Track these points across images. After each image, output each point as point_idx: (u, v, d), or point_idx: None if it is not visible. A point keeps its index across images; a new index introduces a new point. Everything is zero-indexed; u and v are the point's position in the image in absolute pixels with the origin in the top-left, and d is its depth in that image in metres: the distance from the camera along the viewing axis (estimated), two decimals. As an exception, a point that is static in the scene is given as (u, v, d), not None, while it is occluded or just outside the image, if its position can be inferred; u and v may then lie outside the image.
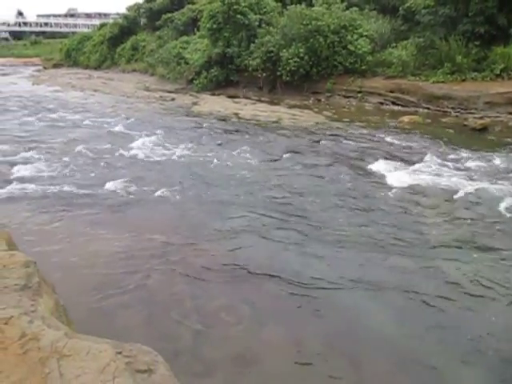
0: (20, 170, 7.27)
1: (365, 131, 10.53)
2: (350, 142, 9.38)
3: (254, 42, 16.94)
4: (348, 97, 14.69)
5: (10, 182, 6.65)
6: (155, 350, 1.93)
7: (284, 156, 8.36)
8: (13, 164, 7.63)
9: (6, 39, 75.51)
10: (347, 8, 16.20)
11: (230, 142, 9.80)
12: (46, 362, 1.67)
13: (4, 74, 33.38)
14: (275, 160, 8.17)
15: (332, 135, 10.17)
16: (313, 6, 16.45)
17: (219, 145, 9.49)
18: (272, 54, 15.93)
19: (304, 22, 15.25)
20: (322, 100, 15.14)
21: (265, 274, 4.08)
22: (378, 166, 7.53)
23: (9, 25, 74.53)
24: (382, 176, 7.03)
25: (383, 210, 5.59)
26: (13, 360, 1.68)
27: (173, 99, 17.03)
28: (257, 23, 17.48)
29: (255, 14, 17.73)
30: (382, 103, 13.66)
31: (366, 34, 15.36)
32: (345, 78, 15.08)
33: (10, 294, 2.26)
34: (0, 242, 3.05)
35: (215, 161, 8.02)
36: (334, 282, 3.93)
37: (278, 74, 15.84)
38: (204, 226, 5.18)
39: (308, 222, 5.25)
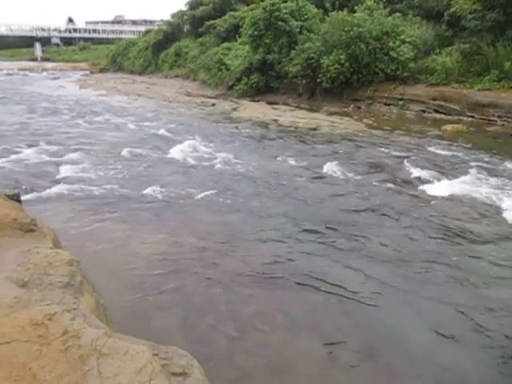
0: (66, 171, 7.56)
1: (406, 140, 10.31)
2: (391, 151, 9.21)
3: (294, 49, 16.99)
4: (389, 104, 14.46)
5: (57, 182, 6.94)
6: (190, 353, 1.97)
7: (322, 164, 8.30)
8: (60, 164, 7.97)
9: (57, 45, 79.23)
10: (390, 14, 15.99)
11: (269, 148, 9.85)
12: (85, 360, 1.74)
13: (54, 78, 35.01)
14: (313, 168, 8.11)
15: (372, 143, 10.02)
16: (355, 12, 16.34)
17: (258, 151, 9.55)
18: (312, 61, 15.90)
19: (345, 29, 15.16)
20: (362, 107, 14.97)
21: (301, 283, 4.05)
22: (420, 176, 7.32)
23: (60, 31, 78.15)
24: (424, 187, 6.83)
25: (424, 224, 5.42)
26: (55, 355, 1.76)
27: (213, 105, 17.30)
28: (298, 30, 17.53)
29: (296, 20, 17.80)
30: (424, 111, 13.36)
31: (408, 40, 15.09)
32: (386, 85, 14.86)
33: (54, 290, 2.36)
34: (46, 240, 3.19)
35: (253, 167, 8.08)
36: (372, 296, 3.85)
37: (318, 80, 15.80)
38: (241, 232, 5.21)
39: (347, 233, 5.17)
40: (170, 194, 6.50)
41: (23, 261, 2.67)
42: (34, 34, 73.94)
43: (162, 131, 11.43)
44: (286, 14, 17.50)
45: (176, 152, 9.04)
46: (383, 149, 9.45)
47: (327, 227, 5.33)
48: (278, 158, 8.81)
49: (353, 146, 9.88)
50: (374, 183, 7.13)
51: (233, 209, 6.01)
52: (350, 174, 7.62)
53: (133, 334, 2.17)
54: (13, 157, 8.46)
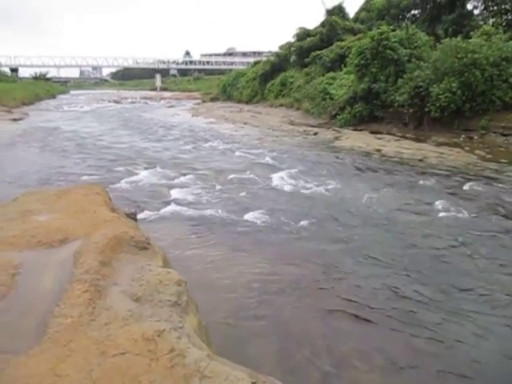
0: (177, 193, 8.13)
1: (526, 175, 9.39)
2: (507, 187, 8.44)
3: (402, 77, 16.55)
4: (506, 135, 13.29)
5: (168, 203, 7.49)
6: (285, 385, 1.98)
7: (429, 198, 7.87)
8: (171, 186, 8.61)
9: (175, 75, 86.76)
10: (511, 39, 14.89)
11: (372, 179, 9.62)
12: (189, 380, 1.84)
13: (170, 106, 38.11)
14: (419, 202, 7.73)
15: (485, 178, 9.28)
16: (470, 38, 15.50)
17: (360, 181, 9.37)
18: (421, 89, 15.33)
19: (459, 56, 14.44)
20: (475, 138, 13.95)
21: (401, 322, 3.86)
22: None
23: (177, 63, 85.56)
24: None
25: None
26: (162, 371, 1.88)
27: (316, 133, 17.42)
28: (406, 58, 17.08)
29: (405, 48, 17.38)
30: (549, 144, 12.07)
31: (532, 66, 13.87)
32: (503, 114, 13.74)
33: (163, 308, 2.53)
34: (157, 258, 3.44)
35: (355, 198, 7.94)
36: (478, 345, 3.53)
37: (426, 109, 15.14)
38: (340, 264, 5.13)
39: (451, 277, 4.80)
40: (270, 220, 6.64)
41: (137, 277, 2.91)
42: (155, 66, 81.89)
43: (265, 159, 11.78)
44: (394, 42, 17.21)
45: (278, 180, 9.25)
46: (498, 184, 8.69)
47: (428, 269, 5.01)
48: (382, 190, 8.56)
49: (464, 179, 9.23)
50: (487, 225, 6.50)
51: (332, 239, 5.95)
52: (461, 214, 6.98)
53: (230, 358, 2.25)
54: (132, 178, 9.35)
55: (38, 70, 72.47)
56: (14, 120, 22.69)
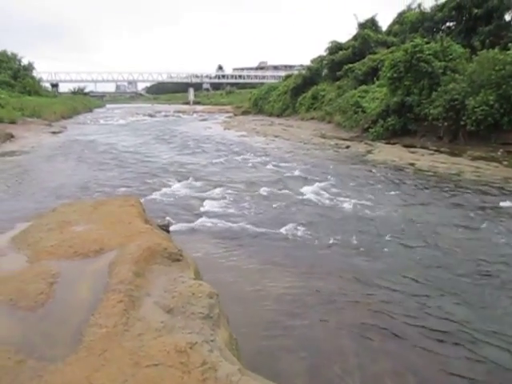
0: (209, 205, 8.19)
1: None
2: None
3: (436, 90, 16.27)
4: (548, 149, 12.81)
5: (200, 215, 7.56)
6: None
7: (465, 214, 7.64)
8: (203, 199, 8.69)
9: (207, 89, 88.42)
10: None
11: (405, 193, 9.43)
12: (220, 394, 1.84)
13: (202, 120, 38.73)
14: (454, 219, 7.50)
15: (527, 194, 8.94)
16: (508, 49, 15.11)
17: (393, 196, 9.20)
18: (456, 103, 15.00)
19: (496, 68, 14.11)
20: (514, 152, 13.49)
21: (436, 342, 3.73)
22: None
23: (210, 77, 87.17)
24: None
25: None
26: (194, 384, 1.90)
27: (347, 147, 17.28)
28: (441, 71, 16.80)
29: (440, 61, 17.11)
30: None
31: None
32: (544, 127, 13.25)
33: (195, 320, 2.55)
34: (189, 270, 3.48)
35: (388, 212, 7.80)
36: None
37: (462, 123, 14.78)
38: (372, 280, 5.02)
39: (493, 299, 4.59)
40: (302, 234, 6.60)
41: (170, 288, 2.94)
42: (188, 80, 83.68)
43: (296, 172, 11.75)
44: (429, 55, 16.98)
45: (310, 193, 9.19)
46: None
47: (470, 288, 4.83)
48: (416, 205, 8.38)
49: (502, 195, 8.92)
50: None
51: (365, 254, 5.84)
52: (500, 232, 6.68)
53: (260, 373, 2.23)
54: (165, 190, 9.51)
55: (77, 85, 75.52)
56: (54, 133, 23.60)
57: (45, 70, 64.81)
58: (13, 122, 23.89)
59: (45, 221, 4.06)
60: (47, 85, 62.96)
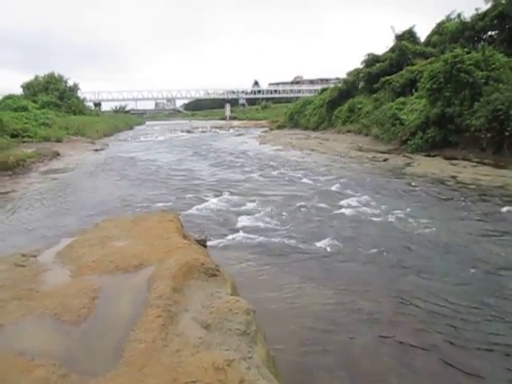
0: (245, 220, 8.20)
1: None
2: None
3: (478, 101, 15.77)
4: None
5: (236, 230, 7.59)
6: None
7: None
8: (239, 213, 8.72)
9: (243, 105, 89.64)
10: None
11: (447, 207, 9.14)
12: (258, 413, 1.82)
13: (238, 135, 39.18)
14: (501, 233, 7.19)
15: None
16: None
17: (434, 210, 8.93)
18: (500, 113, 14.47)
19: (543, 76, 13.56)
20: None
21: (483, 365, 3.55)
22: None
23: (246, 93, 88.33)
24: None
25: None
26: (231, 402, 1.88)
27: (385, 160, 16.98)
28: (483, 81, 16.29)
29: (481, 71, 16.61)
30: None
31: None
32: None
33: (233, 337, 2.54)
34: (226, 286, 3.48)
35: (429, 227, 7.56)
36: None
37: (507, 134, 14.24)
38: (413, 297, 4.86)
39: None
40: (340, 249, 6.50)
41: (207, 304, 2.95)
42: (225, 96, 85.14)
43: (333, 186, 11.62)
44: (470, 65, 16.53)
45: (347, 207, 9.07)
46: None
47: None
48: (458, 219, 8.09)
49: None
50: None
51: (405, 270, 5.68)
52: None
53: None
54: (202, 204, 9.62)
55: (118, 104, 78.46)
56: (96, 150, 24.52)
57: (88, 90, 67.79)
58: (59, 141, 25.09)
59: (88, 236, 4.19)
60: (90, 104, 65.66)
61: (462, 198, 9.83)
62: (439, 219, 8.09)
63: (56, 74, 46.31)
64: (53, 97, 41.60)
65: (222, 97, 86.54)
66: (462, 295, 4.87)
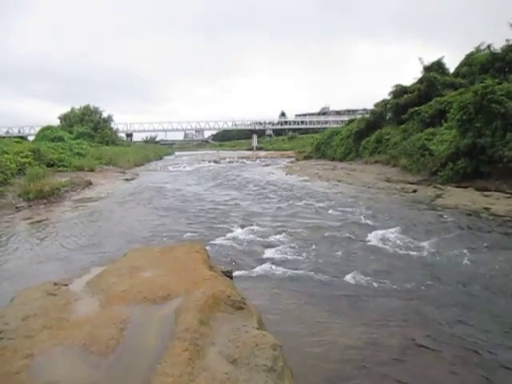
0: (271, 252, 8.16)
1: None
2: None
3: (510, 131, 15.46)
4: None
5: (262, 261, 7.55)
6: None
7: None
8: (266, 245, 8.68)
9: (270, 135, 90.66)
10: None
11: (480, 239, 8.84)
12: None
13: (265, 165, 39.41)
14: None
15: None
16: None
17: (467, 243, 8.65)
18: (534, 144, 14.15)
19: None
20: None
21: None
22: None
23: (273, 124, 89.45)
24: None
25: None
26: None
27: (414, 191, 16.70)
28: (515, 111, 16.01)
29: (513, 101, 16.34)
30: None
31: None
32: None
33: (259, 373, 2.49)
34: (253, 319, 3.44)
35: (461, 261, 7.33)
36: None
37: (542, 164, 13.86)
38: (446, 332, 4.68)
39: None
40: (369, 283, 6.35)
41: (233, 338, 2.92)
42: (252, 127, 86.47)
43: (361, 217, 11.48)
44: (501, 95, 16.30)
45: (376, 240, 8.90)
46: None
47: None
48: (492, 252, 7.81)
49: None
50: None
51: (437, 305, 5.48)
52: None
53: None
54: (228, 235, 9.65)
55: (149, 134, 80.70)
56: (127, 180, 25.16)
57: (121, 121, 70.22)
58: (92, 170, 25.94)
59: (117, 266, 4.26)
60: (123, 135, 67.90)
61: (497, 231, 9.52)
62: (473, 253, 7.81)
63: (91, 106, 48.37)
64: (87, 128, 43.34)
65: (249, 128, 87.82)
66: (500, 334, 4.65)
